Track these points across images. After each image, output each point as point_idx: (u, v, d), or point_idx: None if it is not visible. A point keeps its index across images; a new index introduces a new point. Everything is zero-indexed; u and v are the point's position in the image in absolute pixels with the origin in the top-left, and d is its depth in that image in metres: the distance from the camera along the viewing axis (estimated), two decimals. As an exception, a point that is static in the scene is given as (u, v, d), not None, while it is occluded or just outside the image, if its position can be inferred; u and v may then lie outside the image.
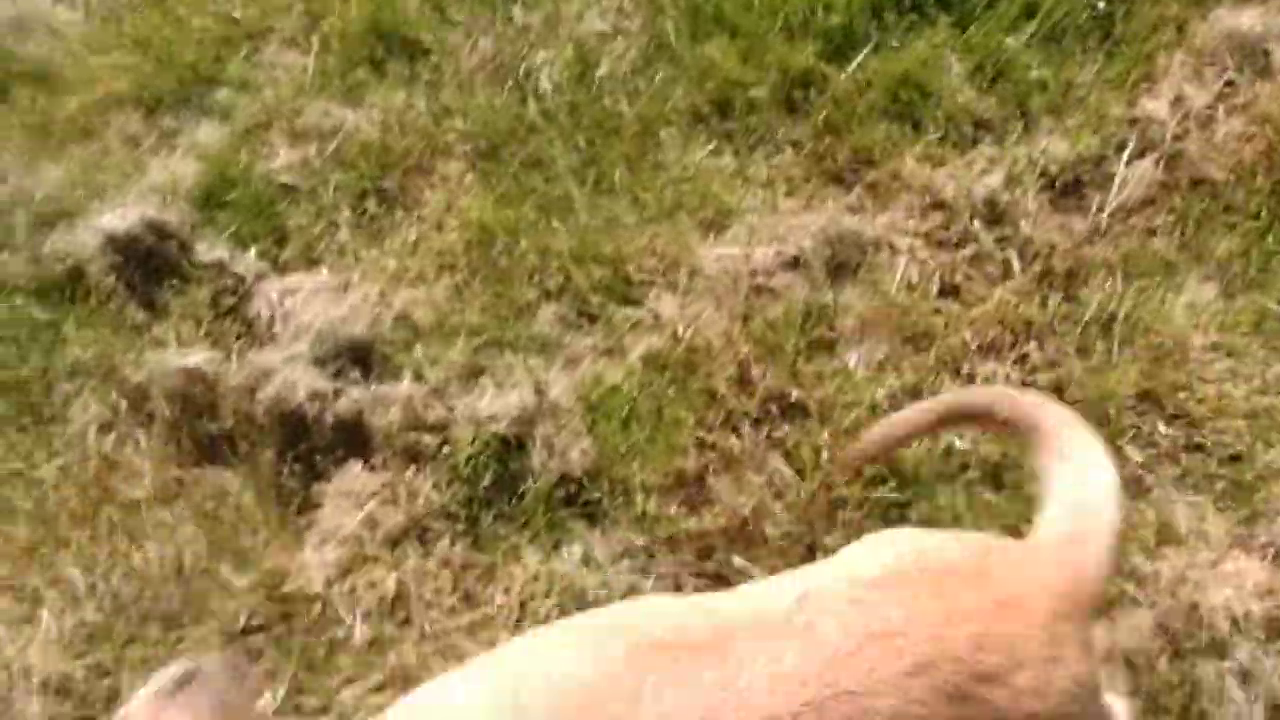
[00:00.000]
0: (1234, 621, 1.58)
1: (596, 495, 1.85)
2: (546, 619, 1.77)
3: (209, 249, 2.16)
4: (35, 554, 1.97)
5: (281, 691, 1.80)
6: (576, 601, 1.77)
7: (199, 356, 2.04)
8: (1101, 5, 2.05)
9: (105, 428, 2.07)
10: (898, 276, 1.98)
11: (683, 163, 2.14)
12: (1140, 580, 1.66)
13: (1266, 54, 2.07)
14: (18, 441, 2.10)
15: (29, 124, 2.37)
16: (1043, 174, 1.98)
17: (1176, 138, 1.95)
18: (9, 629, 1.93)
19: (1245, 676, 1.56)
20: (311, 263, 2.17)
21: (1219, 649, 1.57)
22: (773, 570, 1.75)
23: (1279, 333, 1.85)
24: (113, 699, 1.82)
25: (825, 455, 1.82)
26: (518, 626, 1.78)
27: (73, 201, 2.26)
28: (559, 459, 1.88)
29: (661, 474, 1.84)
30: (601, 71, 2.22)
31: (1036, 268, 1.93)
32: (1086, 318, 1.84)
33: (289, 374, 1.99)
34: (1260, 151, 1.96)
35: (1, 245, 2.24)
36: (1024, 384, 1.86)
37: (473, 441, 1.91)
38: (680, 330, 1.97)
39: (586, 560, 1.81)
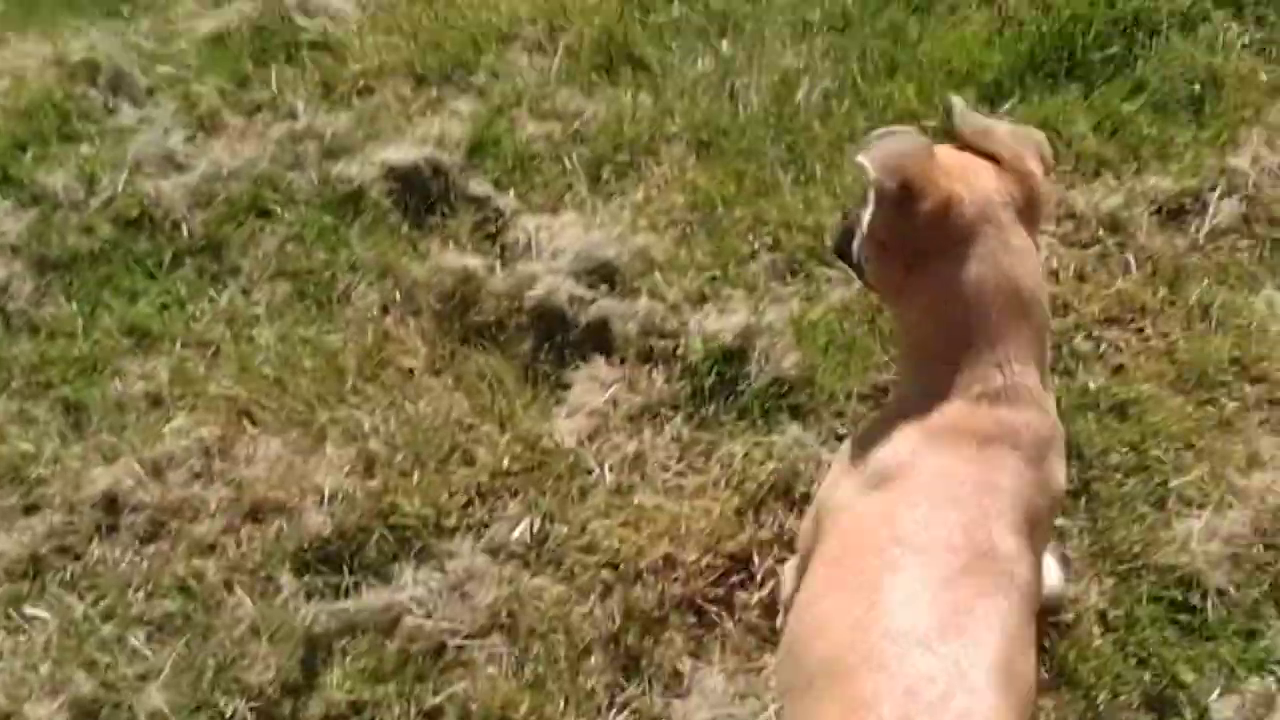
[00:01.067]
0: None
1: (805, 397, 2.30)
2: (763, 484, 2.19)
3: (474, 186, 2.62)
4: (321, 400, 2.35)
5: (537, 521, 2.18)
6: (789, 472, 2.20)
7: (470, 260, 2.48)
8: (1197, 88, 2.68)
9: (383, 310, 2.48)
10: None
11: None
12: (1236, 493, 2.15)
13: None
14: (304, 317, 2.49)
15: (315, 81, 2.85)
16: (1152, 201, 2.54)
17: (1255, 185, 2.55)
18: (299, 456, 2.29)
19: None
20: (556, 210, 2.64)
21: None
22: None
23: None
24: (390, 514, 2.18)
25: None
26: (739, 487, 2.20)
27: (354, 141, 2.72)
28: (773, 365, 2.33)
29: (857, 384, 2.31)
30: (799, 96, 2.77)
31: (1148, 269, 2.47)
32: (1190, 303, 2.38)
33: (552, 280, 2.44)
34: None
35: (293, 166, 2.68)
36: (1142, 351, 2.38)
37: (701, 346, 2.37)
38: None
39: (797, 442, 2.25)
